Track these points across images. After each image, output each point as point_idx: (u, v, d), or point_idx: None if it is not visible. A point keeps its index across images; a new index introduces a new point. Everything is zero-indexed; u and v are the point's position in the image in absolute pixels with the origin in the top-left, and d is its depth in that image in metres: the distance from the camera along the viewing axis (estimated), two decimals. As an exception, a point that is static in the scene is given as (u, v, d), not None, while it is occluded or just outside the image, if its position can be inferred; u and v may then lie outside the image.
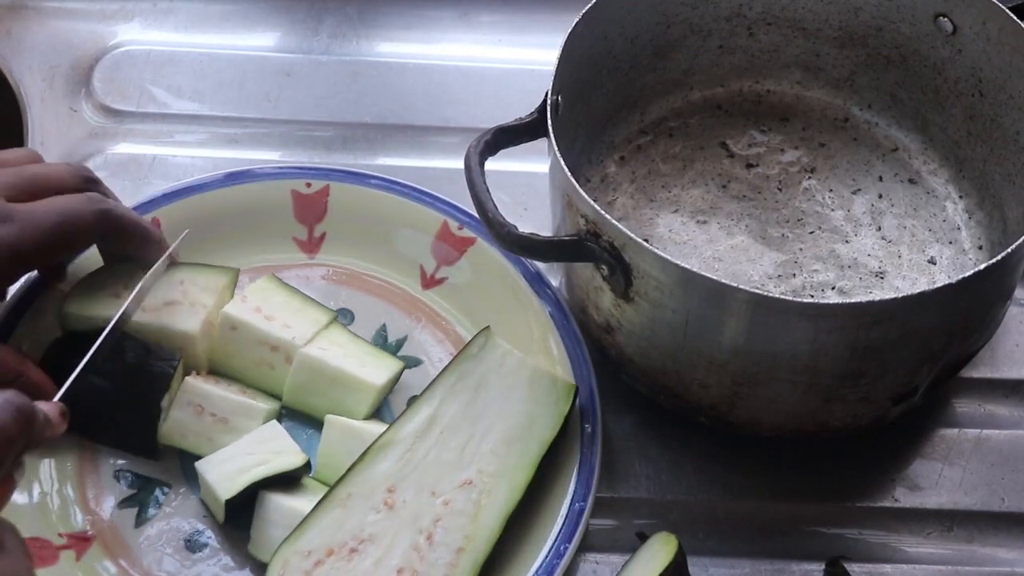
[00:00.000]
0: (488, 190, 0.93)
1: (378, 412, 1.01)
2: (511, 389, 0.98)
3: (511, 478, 0.94)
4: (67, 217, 0.95)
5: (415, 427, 0.95)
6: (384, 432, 0.95)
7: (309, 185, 1.10)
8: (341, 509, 0.92)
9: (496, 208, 0.93)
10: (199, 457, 0.97)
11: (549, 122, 0.96)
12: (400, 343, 1.05)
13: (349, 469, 0.93)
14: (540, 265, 1.06)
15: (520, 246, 0.93)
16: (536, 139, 0.98)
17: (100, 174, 1.09)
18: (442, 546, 0.91)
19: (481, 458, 0.94)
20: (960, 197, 1.12)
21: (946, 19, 1.08)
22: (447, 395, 0.97)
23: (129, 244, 1.00)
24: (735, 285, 0.89)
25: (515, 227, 0.92)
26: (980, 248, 1.09)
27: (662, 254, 0.89)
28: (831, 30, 1.14)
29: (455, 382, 0.98)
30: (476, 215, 0.95)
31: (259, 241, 1.09)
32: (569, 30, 1.00)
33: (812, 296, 1.05)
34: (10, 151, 0.99)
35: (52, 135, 1.17)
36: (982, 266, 0.90)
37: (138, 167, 1.14)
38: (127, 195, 1.09)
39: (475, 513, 0.92)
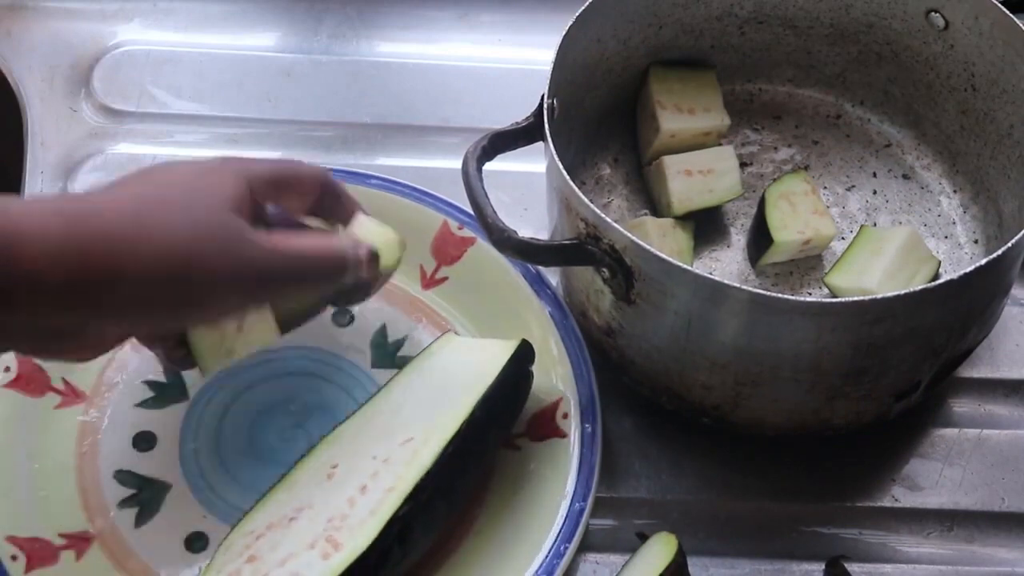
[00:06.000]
0: (487, 195, 0.90)
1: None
2: (459, 364, 0.95)
3: (447, 425, 0.90)
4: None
5: (366, 416, 0.93)
6: (331, 431, 0.93)
7: (309, 185, 1.05)
8: (286, 493, 0.89)
9: (495, 213, 0.89)
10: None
11: (546, 126, 0.92)
12: (400, 343, 1.01)
13: (296, 462, 0.91)
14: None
15: (520, 251, 0.90)
16: (533, 143, 0.95)
17: (99, 174, 1.09)
18: (373, 491, 0.87)
19: (425, 418, 0.91)
20: (954, 192, 1.09)
21: (938, 14, 1.04)
22: (401, 388, 0.94)
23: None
24: (737, 285, 0.86)
25: (515, 232, 0.89)
26: (976, 242, 1.06)
27: (664, 256, 0.86)
28: (822, 27, 1.10)
29: (409, 373, 0.95)
30: (476, 216, 0.93)
31: (259, 241, 1.03)
32: (563, 34, 0.97)
33: (810, 294, 1.03)
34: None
35: (52, 135, 1.13)
36: (983, 261, 0.87)
37: (138, 167, 1.07)
38: (127, 195, 1.06)
39: (410, 460, 0.88)
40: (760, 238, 1.02)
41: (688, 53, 1.09)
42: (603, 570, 0.93)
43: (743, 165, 1.09)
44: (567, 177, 0.89)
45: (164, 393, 0.98)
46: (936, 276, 1.00)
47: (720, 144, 1.06)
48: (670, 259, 0.85)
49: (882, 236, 1.00)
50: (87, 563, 0.90)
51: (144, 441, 0.96)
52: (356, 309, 1.02)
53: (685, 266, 0.86)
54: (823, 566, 0.93)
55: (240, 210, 0.78)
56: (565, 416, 0.96)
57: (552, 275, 1.02)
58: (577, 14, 0.97)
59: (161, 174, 0.80)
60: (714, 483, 0.97)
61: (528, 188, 1.06)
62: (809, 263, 1.04)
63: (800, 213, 1.02)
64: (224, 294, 0.77)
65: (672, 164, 1.03)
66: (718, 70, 1.09)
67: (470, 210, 0.92)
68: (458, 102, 1.17)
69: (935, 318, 0.88)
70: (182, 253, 0.75)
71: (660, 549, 0.89)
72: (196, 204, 0.77)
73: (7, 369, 0.96)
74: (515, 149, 0.95)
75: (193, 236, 0.75)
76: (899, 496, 0.97)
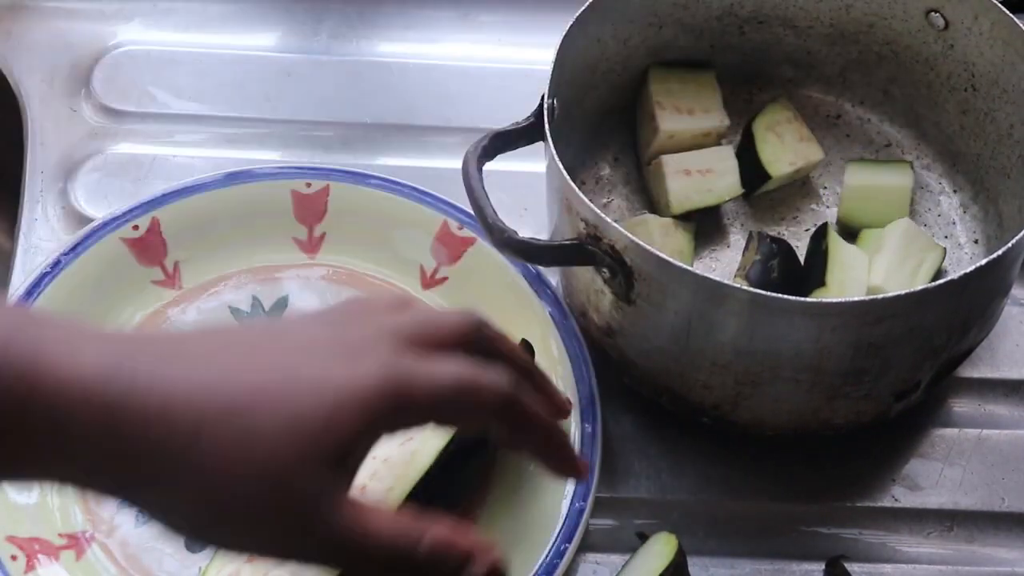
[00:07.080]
0: (487, 195, 0.89)
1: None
2: None
3: None
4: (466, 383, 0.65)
5: None
6: None
7: (309, 185, 1.05)
8: None
9: (496, 214, 0.89)
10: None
11: (546, 126, 0.92)
12: (400, 343, 0.99)
13: None
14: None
15: (520, 251, 0.89)
16: (533, 143, 0.94)
17: (99, 174, 1.08)
18: (373, 491, 0.86)
19: None
20: (954, 192, 1.08)
21: (938, 14, 1.03)
22: None
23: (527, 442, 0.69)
24: (737, 285, 0.86)
25: (515, 232, 0.88)
26: (976, 242, 1.05)
27: (665, 256, 0.85)
28: (822, 27, 1.09)
29: None
30: (476, 216, 0.92)
31: (259, 241, 1.04)
32: (563, 34, 0.96)
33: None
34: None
35: (52, 135, 1.12)
36: (983, 261, 0.86)
37: (138, 167, 1.09)
38: (127, 195, 1.06)
39: (410, 460, 0.88)
40: (754, 175, 1.04)
41: (688, 53, 1.08)
42: (603, 570, 0.92)
43: (743, 165, 1.09)
44: (567, 177, 0.88)
45: (164, 393, 0.97)
46: (942, 267, 1.00)
47: (720, 145, 1.06)
48: (670, 259, 0.85)
49: (880, 233, 1.00)
50: (87, 563, 0.89)
51: (144, 441, 0.95)
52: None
53: (685, 266, 0.85)
54: (823, 566, 0.92)
55: (347, 445, 0.64)
56: (565, 416, 0.95)
57: (552, 275, 1.01)
58: (577, 14, 0.97)
59: (283, 338, 0.64)
60: (714, 483, 0.96)
61: (528, 188, 1.05)
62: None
63: (788, 143, 1.04)
64: (267, 547, 0.62)
65: (671, 164, 1.02)
66: (718, 70, 1.08)
67: (470, 210, 0.92)
68: (458, 102, 1.15)
69: (935, 318, 0.88)
70: (226, 495, 0.59)
71: (660, 549, 0.89)
72: (282, 439, 0.60)
73: (7, 369, 0.95)
74: (515, 149, 0.94)
75: (255, 491, 0.59)
76: (899, 496, 0.96)
